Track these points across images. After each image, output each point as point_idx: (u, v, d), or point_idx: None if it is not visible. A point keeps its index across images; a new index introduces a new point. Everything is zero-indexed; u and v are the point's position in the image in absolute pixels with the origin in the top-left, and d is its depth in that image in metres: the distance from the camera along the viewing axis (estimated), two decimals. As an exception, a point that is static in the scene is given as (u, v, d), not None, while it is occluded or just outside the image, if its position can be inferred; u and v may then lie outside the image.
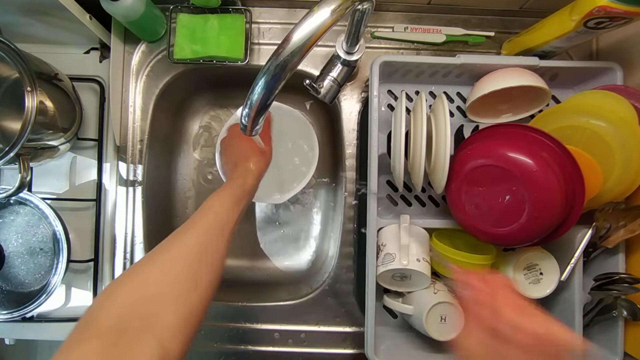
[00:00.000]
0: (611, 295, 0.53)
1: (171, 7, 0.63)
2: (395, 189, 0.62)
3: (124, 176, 0.65)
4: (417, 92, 0.62)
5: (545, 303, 0.58)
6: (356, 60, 0.58)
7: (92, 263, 0.63)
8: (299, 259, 0.76)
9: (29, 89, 0.50)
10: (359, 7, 0.42)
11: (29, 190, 0.64)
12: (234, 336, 0.62)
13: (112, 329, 0.30)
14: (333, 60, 0.59)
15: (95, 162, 0.65)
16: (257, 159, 0.53)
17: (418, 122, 0.51)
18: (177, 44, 0.62)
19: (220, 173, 0.65)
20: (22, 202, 0.60)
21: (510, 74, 0.54)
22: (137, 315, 0.32)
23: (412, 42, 0.65)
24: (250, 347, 0.62)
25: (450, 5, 0.63)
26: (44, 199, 0.60)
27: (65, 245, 0.59)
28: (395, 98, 0.62)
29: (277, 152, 0.63)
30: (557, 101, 0.61)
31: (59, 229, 0.59)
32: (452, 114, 0.61)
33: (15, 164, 0.52)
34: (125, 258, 0.64)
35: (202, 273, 0.38)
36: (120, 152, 0.65)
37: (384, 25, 0.65)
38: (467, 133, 0.61)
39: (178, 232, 0.41)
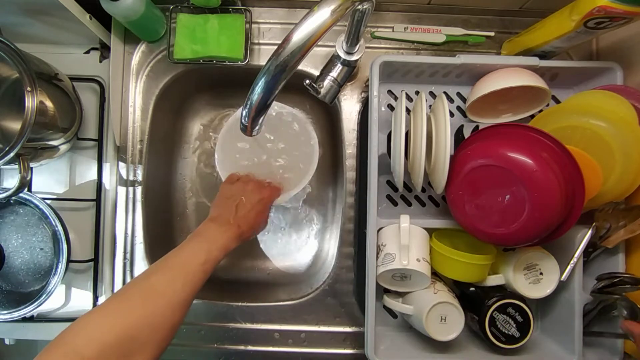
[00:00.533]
0: (613, 297, 0.53)
1: (171, 7, 0.63)
2: (395, 189, 0.62)
3: (124, 176, 0.65)
4: (417, 92, 0.62)
5: (545, 303, 0.58)
6: (356, 60, 0.58)
7: (92, 263, 0.63)
8: (299, 259, 0.76)
9: (29, 89, 0.49)
10: (359, 7, 0.42)
11: (29, 190, 0.64)
12: (234, 336, 0.62)
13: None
14: (333, 60, 0.59)
15: (95, 162, 0.65)
16: (249, 227, 0.54)
17: (418, 122, 0.51)
18: (177, 44, 0.62)
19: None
20: (22, 202, 0.60)
21: (510, 74, 0.54)
22: (116, 353, 0.34)
23: (412, 42, 0.65)
24: (250, 347, 0.62)
25: (450, 5, 0.63)
26: (44, 199, 0.60)
27: (65, 245, 0.59)
28: (395, 98, 0.62)
29: (277, 152, 0.63)
30: (557, 101, 0.61)
31: (59, 229, 0.59)
32: (452, 114, 0.61)
33: (15, 164, 0.52)
34: (125, 258, 0.64)
35: (179, 323, 0.41)
36: (120, 152, 0.65)
37: (384, 25, 0.65)
38: (467, 133, 0.61)
39: (166, 285, 0.42)
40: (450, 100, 0.61)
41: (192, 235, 0.49)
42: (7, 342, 0.64)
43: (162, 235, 0.71)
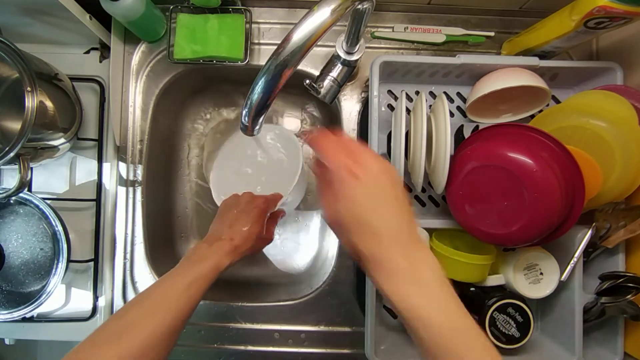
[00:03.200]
0: (618, 304, 0.53)
1: (171, 7, 0.63)
2: (395, 189, 0.61)
3: (124, 176, 0.65)
4: (417, 92, 0.62)
5: (545, 303, 0.58)
6: (356, 60, 0.58)
7: (92, 263, 0.63)
8: (299, 259, 0.76)
9: (29, 89, 0.49)
10: (359, 7, 0.42)
11: (29, 190, 0.64)
12: (234, 336, 0.62)
13: None
14: (333, 60, 0.59)
15: (95, 162, 0.65)
16: (244, 239, 0.52)
17: (418, 122, 0.51)
18: (177, 44, 0.62)
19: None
20: (22, 202, 0.60)
21: (510, 74, 0.54)
22: None
23: (412, 42, 0.65)
24: (250, 347, 0.62)
25: (450, 5, 0.63)
26: (44, 199, 0.60)
27: (65, 245, 0.59)
28: (395, 98, 0.62)
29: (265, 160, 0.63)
30: (557, 101, 0.61)
31: (59, 229, 0.59)
32: (452, 114, 0.61)
33: (15, 164, 0.52)
34: (125, 258, 0.64)
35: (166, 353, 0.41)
36: (120, 152, 0.65)
37: (384, 25, 0.65)
38: (467, 133, 0.61)
39: (142, 319, 0.40)
40: (450, 100, 0.61)
41: (183, 259, 0.48)
42: (7, 342, 0.64)
43: (162, 235, 0.71)
